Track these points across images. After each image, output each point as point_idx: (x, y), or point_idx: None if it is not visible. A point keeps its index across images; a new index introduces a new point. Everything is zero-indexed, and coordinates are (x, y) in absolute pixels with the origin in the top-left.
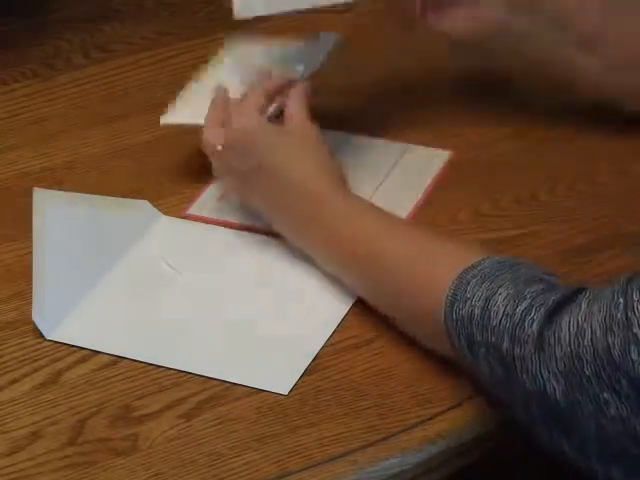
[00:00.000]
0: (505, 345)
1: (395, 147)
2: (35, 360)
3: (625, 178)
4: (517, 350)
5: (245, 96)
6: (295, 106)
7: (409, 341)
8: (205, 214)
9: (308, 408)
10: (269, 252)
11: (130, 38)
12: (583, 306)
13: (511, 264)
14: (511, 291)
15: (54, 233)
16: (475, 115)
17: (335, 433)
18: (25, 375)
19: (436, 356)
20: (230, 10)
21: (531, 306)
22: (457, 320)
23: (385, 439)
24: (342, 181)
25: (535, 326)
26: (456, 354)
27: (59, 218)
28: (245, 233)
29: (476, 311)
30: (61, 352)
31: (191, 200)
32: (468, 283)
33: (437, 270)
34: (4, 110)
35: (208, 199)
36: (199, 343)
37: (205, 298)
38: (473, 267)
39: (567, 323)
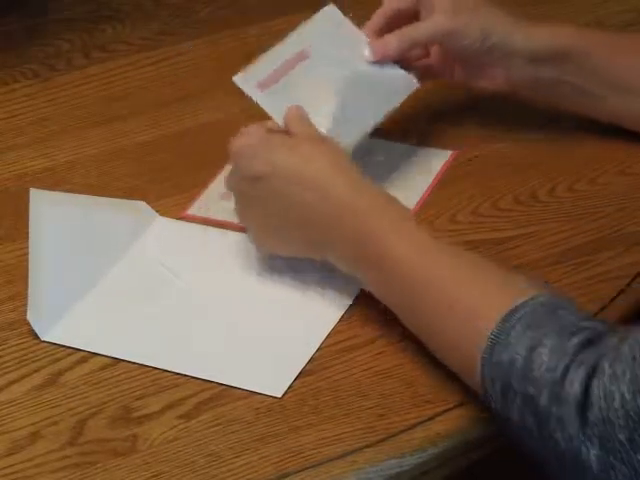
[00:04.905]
0: (543, 400)
1: (396, 147)
2: (34, 361)
3: (625, 178)
4: (554, 408)
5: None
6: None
7: (409, 342)
8: (205, 214)
9: (307, 409)
10: (266, 253)
11: (130, 38)
12: (607, 369)
13: (554, 307)
14: (555, 343)
15: (50, 234)
16: (475, 115)
17: (334, 434)
18: (25, 376)
19: (436, 357)
20: (229, 10)
21: (572, 362)
22: (496, 364)
23: (385, 440)
24: (379, 192)
25: (574, 386)
26: (485, 395)
27: (55, 219)
28: (243, 234)
29: (518, 359)
30: (61, 353)
31: (191, 200)
32: (512, 327)
33: (480, 307)
34: (4, 110)
35: (208, 199)
36: (194, 345)
37: (201, 300)
38: (517, 309)
39: (597, 386)
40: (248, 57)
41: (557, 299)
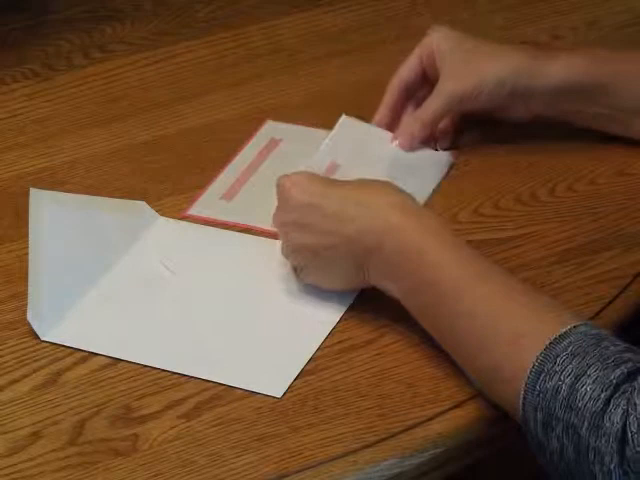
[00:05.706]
0: (584, 430)
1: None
2: (35, 360)
3: (625, 178)
4: (592, 439)
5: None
6: None
7: (409, 342)
8: (205, 214)
9: (308, 409)
10: (267, 253)
11: (130, 38)
12: (637, 402)
13: (599, 339)
14: (600, 374)
15: (50, 234)
16: (475, 115)
17: (335, 434)
18: (25, 375)
19: (437, 357)
20: (229, 10)
21: (613, 394)
22: (540, 392)
23: (385, 439)
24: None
25: (614, 420)
26: (524, 423)
27: (55, 219)
28: (244, 234)
29: (563, 387)
30: (61, 352)
31: (191, 200)
32: (557, 356)
33: (524, 335)
34: (4, 110)
35: (208, 200)
36: (194, 345)
37: (201, 300)
38: (562, 338)
39: (633, 421)
40: (248, 57)
41: (598, 330)
